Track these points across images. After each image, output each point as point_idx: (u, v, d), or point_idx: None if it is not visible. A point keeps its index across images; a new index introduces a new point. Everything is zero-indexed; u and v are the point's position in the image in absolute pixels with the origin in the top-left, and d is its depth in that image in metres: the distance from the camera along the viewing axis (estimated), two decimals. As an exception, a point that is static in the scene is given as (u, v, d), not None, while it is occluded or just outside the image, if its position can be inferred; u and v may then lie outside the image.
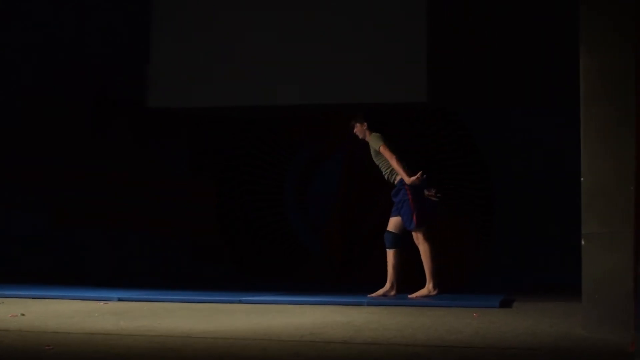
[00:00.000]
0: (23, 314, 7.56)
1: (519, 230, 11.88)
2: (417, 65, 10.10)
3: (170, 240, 12.86)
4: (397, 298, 9.05)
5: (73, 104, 12.15)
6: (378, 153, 9.33)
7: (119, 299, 9.02)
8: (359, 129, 9.54)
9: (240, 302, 8.73)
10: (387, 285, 9.25)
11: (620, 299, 6.13)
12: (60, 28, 12.24)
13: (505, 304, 8.54)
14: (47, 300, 9.07)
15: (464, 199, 12.13)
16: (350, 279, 12.03)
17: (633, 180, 6.03)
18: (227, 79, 10.49)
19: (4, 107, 11.85)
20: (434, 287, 9.19)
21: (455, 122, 12.30)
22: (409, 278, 9.47)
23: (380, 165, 9.43)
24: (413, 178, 9.08)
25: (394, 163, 9.18)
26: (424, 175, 9.13)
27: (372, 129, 9.46)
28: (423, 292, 9.19)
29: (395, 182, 9.36)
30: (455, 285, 10.55)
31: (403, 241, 9.27)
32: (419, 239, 9.25)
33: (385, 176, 9.42)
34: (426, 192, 9.31)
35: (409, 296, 9.10)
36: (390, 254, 9.30)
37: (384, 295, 9.17)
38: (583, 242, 6.42)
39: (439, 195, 9.38)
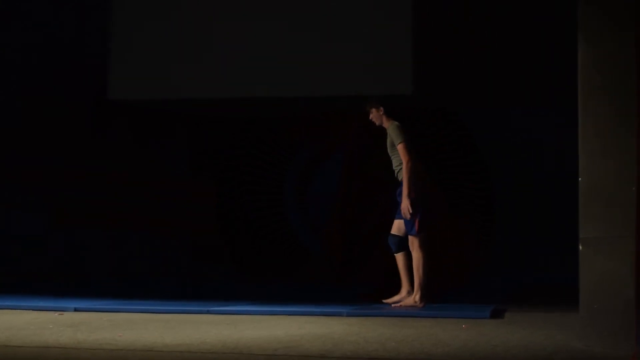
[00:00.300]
0: (-30, 326, 7.00)
1: (519, 230, 11.88)
2: (403, 58, 9.92)
3: (170, 240, 12.86)
4: (376, 308, 8.46)
5: (73, 104, 12.13)
6: (394, 146, 8.75)
7: (76, 309, 8.32)
8: (375, 115, 8.90)
9: (208, 312, 8.11)
10: (403, 292, 8.71)
11: (620, 309, 5.80)
12: (60, 28, 12.22)
13: (497, 314, 7.93)
14: (-3, 310, 8.43)
15: (464, 199, 12.14)
16: (350, 279, 12.03)
17: (634, 181, 5.79)
18: (202, 71, 10.34)
19: (4, 107, 11.83)
20: (421, 299, 8.52)
21: (455, 122, 12.30)
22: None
23: (392, 158, 8.84)
24: (407, 205, 8.47)
25: (404, 167, 8.56)
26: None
27: (389, 114, 8.86)
28: (409, 301, 8.59)
29: (400, 178, 8.77)
30: (455, 285, 10.57)
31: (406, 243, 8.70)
32: (414, 245, 8.66)
33: (395, 171, 8.85)
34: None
35: (393, 305, 8.57)
36: (398, 258, 8.77)
37: (398, 302, 8.61)
38: (580, 247, 6.05)
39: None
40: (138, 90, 10.56)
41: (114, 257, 12.66)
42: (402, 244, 8.71)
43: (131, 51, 10.51)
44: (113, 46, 10.54)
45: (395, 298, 8.65)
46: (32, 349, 5.90)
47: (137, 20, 10.53)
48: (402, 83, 9.83)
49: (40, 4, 12.04)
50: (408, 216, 8.44)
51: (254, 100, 10.65)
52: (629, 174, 5.85)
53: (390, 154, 8.78)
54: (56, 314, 7.99)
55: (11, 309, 8.47)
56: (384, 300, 8.62)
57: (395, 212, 8.81)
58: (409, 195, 8.46)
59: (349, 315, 7.90)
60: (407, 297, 8.61)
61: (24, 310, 8.33)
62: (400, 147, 8.61)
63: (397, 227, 8.77)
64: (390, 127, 8.76)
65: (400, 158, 8.68)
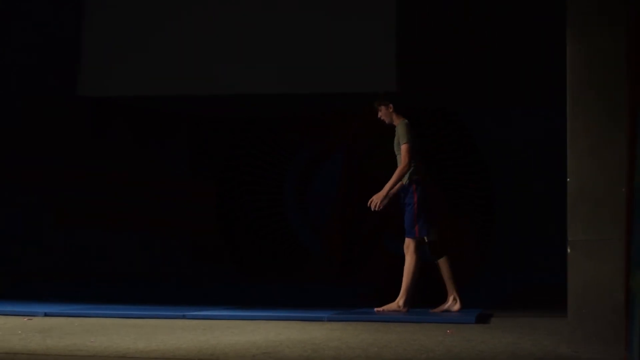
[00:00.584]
0: None
1: (519, 230, 11.86)
2: (386, 55, 9.84)
3: (170, 240, 12.87)
4: (367, 313, 8.15)
5: (73, 104, 12.13)
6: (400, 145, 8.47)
7: (46, 314, 7.94)
8: (385, 113, 8.55)
9: (184, 317, 7.75)
10: (450, 299, 8.30)
11: (609, 314, 5.66)
12: (60, 28, 12.22)
13: (483, 319, 7.64)
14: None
15: (464, 199, 12.12)
16: (350, 279, 12.02)
17: (623, 181, 5.64)
18: (178, 68, 10.32)
19: (4, 107, 11.84)
20: (405, 304, 8.25)
21: (455, 122, 12.29)
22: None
23: (397, 157, 8.52)
24: (380, 199, 8.19)
25: (399, 169, 8.28)
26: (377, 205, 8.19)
27: (399, 111, 8.51)
28: (392, 306, 8.27)
29: (404, 181, 8.48)
30: (455, 286, 10.54)
31: (445, 248, 8.28)
32: (409, 248, 8.36)
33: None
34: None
35: (376, 309, 8.25)
36: (441, 264, 8.35)
37: (448, 310, 8.22)
38: (569, 250, 5.86)
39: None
40: (108, 86, 10.52)
41: (114, 257, 12.67)
42: (442, 247, 8.35)
43: (105, 47, 10.48)
44: (85, 43, 10.51)
45: (443, 307, 8.25)
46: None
47: (112, 16, 10.52)
48: (386, 81, 9.75)
49: (40, 4, 12.06)
50: (374, 208, 8.21)
51: (237, 98, 10.62)
52: (619, 174, 5.64)
53: (396, 153, 8.50)
54: (25, 319, 7.67)
55: (-23, 313, 8.17)
56: (432, 310, 8.21)
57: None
58: (388, 193, 8.21)
59: (329, 320, 7.58)
60: (453, 303, 8.24)
61: (-8, 316, 8.05)
62: (403, 148, 8.34)
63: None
64: (399, 125, 8.44)
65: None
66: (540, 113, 11.75)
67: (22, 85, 12.05)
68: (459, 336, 6.47)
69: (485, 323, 7.46)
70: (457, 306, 8.19)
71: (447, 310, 8.14)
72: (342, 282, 11.90)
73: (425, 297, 8.50)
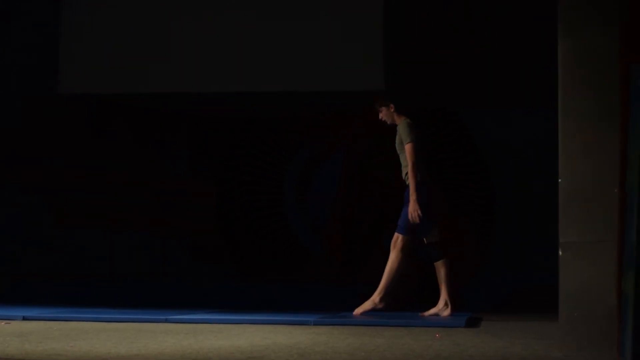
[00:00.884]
0: None
1: (519, 230, 11.82)
2: (374, 53, 9.78)
3: (170, 240, 12.85)
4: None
5: (73, 104, 12.12)
6: (402, 144, 8.34)
7: (24, 318, 7.79)
8: (385, 113, 8.45)
9: (166, 321, 7.63)
10: (440, 303, 8.23)
11: (602, 317, 5.64)
12: (60, 27, 12.21)
13: (472, 323, 7.57)
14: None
15: (464, 199, 12.10)
16: (350, 279, 11.99)
17: (616, 182, 5.60)
18: (163, 65, 10.29)
19: (4, 107, 11.85)
20: (381, 300, 8.18)
21: (455, 122, 12.26)
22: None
23: (401, 157, 8.42)
24: (415, 208, 8.08)
25: (410, 169, 8.16)
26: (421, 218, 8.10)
27: (401, 111, 8.41)
28: (367, 305, 8.25)
29: (406, 181, 8.41)
30: (455, 285, 10.51)
31: (445, 249, 8.30)
32: (397, 244, 8.28)
33: (403, 172, 8.43)
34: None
35: (354, 313, 8.20)
36: (438, 266, 8.31)
37: (438, 314, 8.16)
38: (560, 252, 5.80)
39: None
40: (91, 84, 10.49)
41: (114, 257, 12.65)
42: (442, 248, 8.30)
43: (83, 44, 10.46)
44: (63, 39, 10.49)
45: (433, 311, 8.22)
46: (-25, 361, 5.55)
47: (90, 12, 10.50)
48: (373, 78, 9.69)
49: (40, 4, 12.05)
50: (417, 220, 8.07)
51: (232, 97, 10.60)
52: (612, 174, 5.61)
53: (398, 152, 8.40)
54: (3, 322, 7.56)
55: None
56: (422, 314, 8.21)
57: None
58: (417, 199, 8.09)
59: (315, 324, 7.52)
60: (444, 308, 8.18)
61: (-31, 319, 7.87)
62: (407, 147, 8.22)
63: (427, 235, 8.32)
64: (401, 125, 8.34)
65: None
66: (540, 113, 11.69)
67: (22, 85, 12.06)
68: (448, 340, 6.42)
69: (475, 327, 7.40)
70: (447, 311, 8.11)
71: (437, 315, 8.06)
72: (342, 282, 11.88)
73: (423, 298, 8.47)
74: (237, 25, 10.27)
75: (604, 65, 5.81)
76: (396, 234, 8.31)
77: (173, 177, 12.82)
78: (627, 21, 5.77)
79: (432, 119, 12.07)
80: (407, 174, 8.29)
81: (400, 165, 8.35)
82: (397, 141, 8.38)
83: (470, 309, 8.64)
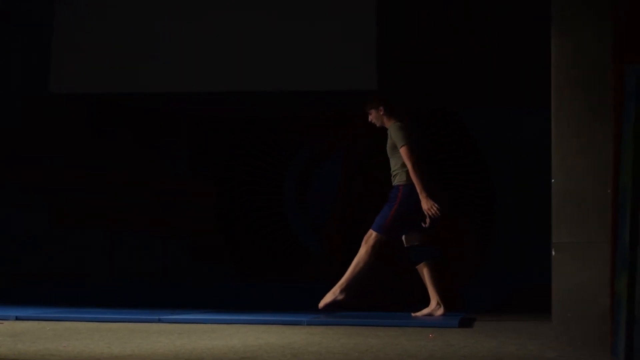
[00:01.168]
0: None
1: (519, 230, 11.82)
2: (367, 52, 9.76)
3: (170, 240, 12.86)
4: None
5: (73, 104, 12.13)
6: (395, 148, 8.17)
7: (17, 318, 7.75)
8: (375, 116, 8.29)
9: (159, 321, 7.60)
10: (432, 303, 8.10)
11: (595, 318, 5.68)
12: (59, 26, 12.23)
13: (466, 323, 7.52)
14: None
15: (464, 199, 12.09)
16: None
17: (609, 182, 5.61)
18: (155, 64, 10.29)
19: (4, 107, 11.86)
20: (341, 292, 8.09)
21: (455, 122, 12.26)
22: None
23: (391, 160, 8.28)
24: (430, 204, 7.95)
25: (412, 170, 7.97)
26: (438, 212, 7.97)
27: (391, 114, 8.23)
28: (328, 297, 8.17)
29: (394, 182, 8.33)
30: (455, 286, 10.51)
31: (431, 250, 8.16)
32: (367, 241, 8.18)
33: (392, 174, 8.32)
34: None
35: (320, 306, 8.13)
36: (420, 269, 8.20)
37: (431, 314, 8.03)
38: (553, 253, 5.82)
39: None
40: (91, 84, 10.49)
41: (114, 257, 12.67)
42: (422, 252, 8.18)
43: (83, 44, 10.47)
44: (62, 38, 10.50)
45: (425, 311, 8.10)
46: (-33, 361, 5.55)
47: (90, 12, 10.50)
48: (366, 78, 9.68)
49: (40, 4, 12.06)
50: (435, 213, 7.93)
51: (224, 96, 10.60)
52: (605, 175, 5.63)
53: (389, 156, 8.24)
54: None
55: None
56: (414, 314, 8.09)
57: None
58: (427, 195, 7.94)
59: (309, 324, 7.50)
60: (436, 308, 8.07)
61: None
62: (403, 151, 8.03)
63: (405, 237, 8.25)
64: (392, 128, 8.17)
65: (399, 161, 8.15)
66: (540, 113, 11.67)
67: (22, 85, 12.07)
68: (441, 340, 6.38)
69: (468, 327, 7.36)
70: (440, 311, 8.01)
71: (430, 315, 7.98)
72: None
73: (420, 300, 8.44)
74: (236, 26, 10.27)
75: (597, 66, 5.82)
76: (370, 230, 8.18)
77: (173, 177, 12.83)
78: (620, 21, 5.76)
79: (432, 119, 12.07)
80: (395, 176, 8.18)
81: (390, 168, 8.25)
82: (388, 145, 8.23)
83: (470, 309, 8.63)
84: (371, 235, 8.18)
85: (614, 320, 5.39)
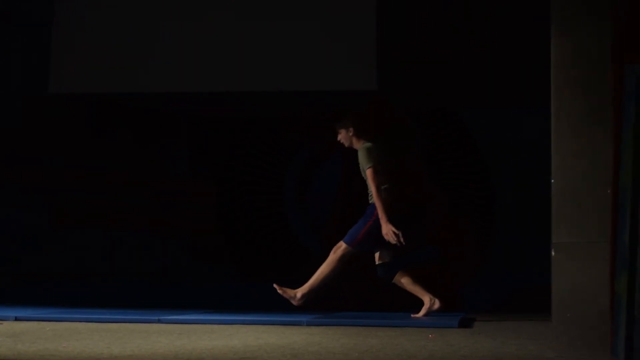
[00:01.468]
0: None
1: (519, 230, 11.82)
2: (367, 52, 9.78)
3: (170, 240, 12.87)
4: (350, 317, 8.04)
5: (73, 104, 12.14)
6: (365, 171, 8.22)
7: (17, 318, 7.74)
8: (344, 136, 8.31)
9: (159, 321, 7.60)
10: (426, 300, 8.04)
11: (595, 318, 5.66)
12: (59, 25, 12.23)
13: (466, 324, 7.52)
14: None
15: (464, 199, 12.08)
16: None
17: (609, 183, 5.59)
18: (154, 64, 10.29)
19: (4, 107, 11.87)
20: (302, 297, 8.10)
21: (455, 122, 12.25)
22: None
23: (367, 181, 8.24)
24: (388, 229, 7.84)
25: (374, 194, 7.97)
26: (400, 240, 7.84)
27: (360, 135, 8.23)
28: (289, 292, 8.17)
29: (371, 201, 8.27)
30: (455, 286, 10.50)
31: (400, 262, 8.05)
32: (336, 253, 8.18)
33: (369, 192, 8.28)
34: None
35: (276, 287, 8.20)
36: (397, 280, 8.16)
37: (429, 311, 7.98)
38: (553, 253, 5.81)
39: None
40: (91, 84, 10.49)
41: (114, 257, 12.68)
42: (392, 267, 8.13)
43: (82, 44, 10.47)
44: (61, 38, 10.51)
45: (423, 311, 8.04)
46: (-33, 361, 5.54)
47: (89, 12, 10.51)
48: (366, 78, 9.69)
49: (40, 4, 12.06)
50: (394, 240, 7.84)
51: (224, 96, 10.61)
52: (604, 175, 5.62)
53: (363, 176, 8.24)
54: None
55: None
56: (413, 316, 8.05)
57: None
58: (388, 219, 7.84)
59: (309, 324, 7.51)
60: (431, 303, 7.99)
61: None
62: (368, 173, 8.02)
63: (378, 255, 8.22)
64: (360, 151, 8.14)
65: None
66: (540, 113, 11.67)
67: (22, 85, 12.08)
68: (441, 341, 6.38)
69: (468, 327, 7.36)
70: (437, 305, 7.95)
71: (429, 311, 7.96)
72: (342, 282, 11.85)
73: (415, 303, 8.44)
74: (236, 25, 10.28)
75: (597, 66, 5.81)
76: (341, 242, 8.20)
77: (173, 177, 12.84)
78: (620, 21, 5.75)
79: (432, 119, 12.07)
80: (371, 195, 8.13)
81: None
82: (360, 166, 8.22)
83: (470, 309, 8.63)
84: (341, 247, 8.19)
85: (614, 320, 5.39)
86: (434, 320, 7.72)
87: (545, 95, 10.56)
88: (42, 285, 11.20)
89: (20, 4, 11.86)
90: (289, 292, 8.19)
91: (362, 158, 8.11)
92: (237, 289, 11.52)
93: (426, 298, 8.02)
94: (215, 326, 7.36)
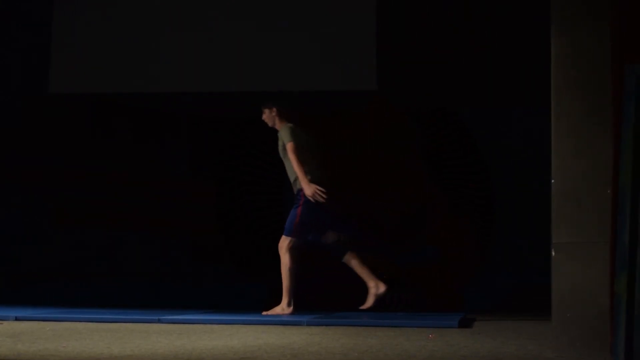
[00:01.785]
0: None
1: (519, 230, 11.80)
2: (367, 52, 9.79)
3: (170, 240, 12.84)
4: (335, 317, 8.11)
5: (73, 103, 12.13)
6: (286, 151, 8.62)
7: (17, 318, 7.82)
8: (267, 116, 8.85)
9: (159, 321, 7.69)
10: (371, 285, 8.38)
11: (594, 318, 5.67)
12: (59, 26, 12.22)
13: (465, 324, 7.63)
14: None
15: (464, 199, 12.07)
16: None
17: (609, 183, 5.61)
18: (153, 65, 10.30)
19: (4, 107, 11.87)
20: (289, 304, 8.33)
21: (455, 122, 12.23)
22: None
23: (285, 164, 8.71)
24: (312, 188, 8.34)
25: (293, 161, 8.45)
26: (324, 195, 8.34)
27: (283, 116, 8.77)
28: (277, 309, 8.38)
29: (296, 187, 8.77)
30: (455, 286, 10.51)
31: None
32: (283, 246, 8.50)
33: (292, 180, 8.74)
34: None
35: (263, 312, 8.35)
36: (347, 262, 8.55)
37: (376, 298, 8.31)
38: (553, 253, 5.81)
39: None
40: (91, 84, 10.49)
41: (114, 257, 12.66)
42: (341, 246, 8.49)
43: (82, 44, 10.45)
44: (61, 38, 10.50)
45: (370, 299, 8.34)
46: (-33, 361, 5.51)
47: (82, 12, 10.49)
48: (366, 78, 9.71)
49: (40, 4, 12.06)
50: (321, 198, 8.28)
51: (224, 96, 10.62)
52: (604, 175, 5.64)
53: (282, 158, 8.64)
54: None
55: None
56: (361, 307, 8.34)
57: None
58: (309, 191, 8.33)
59: (309, 324, 7.57)
60: (376, 288, 8.31)
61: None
62: (289, 147, 8.47)
63: (332, 234, 8.56)
64: (282, 130, 8.60)
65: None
66: (540, 113, 11.66)
67: (22, 85, 12.07)
68: (441, 341, 6.40)
69: (468, 327, 7.40)
70: (382, 287, 8.28)
71: (377, 297, 8.20)
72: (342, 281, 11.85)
73: (404, 301, 8.48)
74: (236, 26, 10.28)
75: (596, 66, 5.82)
76: (283, 237, 8.56)
77: (173, 177, 12.80)
78: (620, 22, 5.75)
79: (432, 119, 12.06)
80: (295, 180, 8.54)
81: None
82: (279, 147, 8.64)
83: (470, 309, 8.63)
84: (284, 242, 8.56)
85: (614, 320, 5.38)
86: (434, 320, 7.72)
87: (545, 95, 10.57)
88: (42, 285, 11.19)
89: (20, 4, 11.86)
90: (276, 310, 8.35)
91: (283, 135, 8.56)
92: (237, 289, 11.52)
93: (371, 283, 8.33)
94: (215, 326, 7.39)
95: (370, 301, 8.35)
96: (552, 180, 5.90)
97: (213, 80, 10.27)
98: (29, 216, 12.09)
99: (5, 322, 7.60)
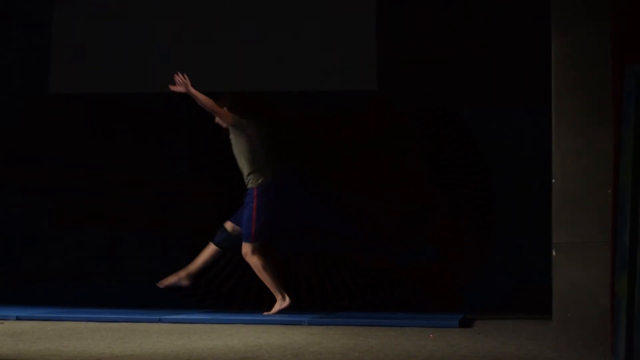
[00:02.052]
0: None
1: (519, 230, 11.81)
2: (367, 52, 9.80)
3: (170, 240, 12.84)
4: (336, 316, 8.13)
5: (73, 103, 12.13)
6: (241, 152, 8.96)
7: (18, 318, 7.85)
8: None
9: (160, 321, 7.74)
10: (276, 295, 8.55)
11: (595, 319, 5.68)
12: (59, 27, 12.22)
13: (466, 323, 7.65)
14: None
15: (464, 199, 12.06)
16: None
17: (609, 183, 5.63)
18: (154, 64, 10.29)
19: (4, 107, 11.88)
20: (283, 298, 8.42)
21: (455, 122, 12.23)
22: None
23: (239, 163, 9.03)
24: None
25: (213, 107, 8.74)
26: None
27: (232, 111, 8.98)
28: (276, 307, 8.47)
29: (249, 186, 8.94)
30: (455, 286, 10.50)
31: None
32: (248, 253, 8.56)
33: (246, 179, 8.97)
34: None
35: (265, 313, 8.39)
36: (210, 248, 9.00)
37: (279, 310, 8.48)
38: (553, 253, 5.82)
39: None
40: (91, 84, 10.49)
41: (114, 257, 12.66)
42: (226, 240, 8.79)
43: (75, 43, 10.45)
44: (61, 38, 10.50)
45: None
46: (-32, 361, 5.50)
47: (82, 12, 10.49)
48: (366, 78, 9.72)
49: (40, 4, 12.06)
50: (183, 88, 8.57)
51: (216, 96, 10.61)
52: (604, 175, 5.67)
53: (236, 157, 9.07)
54: None
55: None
56: (266, 313, 8.44)
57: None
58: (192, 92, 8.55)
59: (309, 324, 7.59)
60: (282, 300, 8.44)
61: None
62: (224, 111, 8.82)
63: (232, 226, 8.86)
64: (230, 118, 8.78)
65: (248, 164, 8.91)
66: (541, 113, 11.67)
67: (22, 85, 12.07)
68: (441, 341, 6.42)
69: (468, 327, 7.42)
70: (276, 306, 8.39)
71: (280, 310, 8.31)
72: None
73: (397, 299, 8.50)
74: (236, 25, 10.28)
75: (597, 66, 5.83)
76: (244, 245, 8.66)
77: (173, 177, 12.80)
78: (620, 21, 5.76)
79: (432, 119, 12.06)
80: (249, 180, 8.81)
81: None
82: (233, 143, 9.10)
83: (470, 309, 8.64)
84: (248, 250, 8.63)
85: (614, 321, 5.40)
86: (435, 320, 7.73)
87: (545, 95, 10.56)
88: (42, 285, 11.19)
89: (20, 4, 11.86)
90: (275, 308, 8.43)
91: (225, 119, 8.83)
92: (237, 289, 11.50)
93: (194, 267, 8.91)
94: (216, 326, 7.40)
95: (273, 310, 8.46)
96: (553, 180, 5.91)
97: (213, 80, 10.27)
98: (29, 216, 12.09)
99: (6, 322, 7.61)
